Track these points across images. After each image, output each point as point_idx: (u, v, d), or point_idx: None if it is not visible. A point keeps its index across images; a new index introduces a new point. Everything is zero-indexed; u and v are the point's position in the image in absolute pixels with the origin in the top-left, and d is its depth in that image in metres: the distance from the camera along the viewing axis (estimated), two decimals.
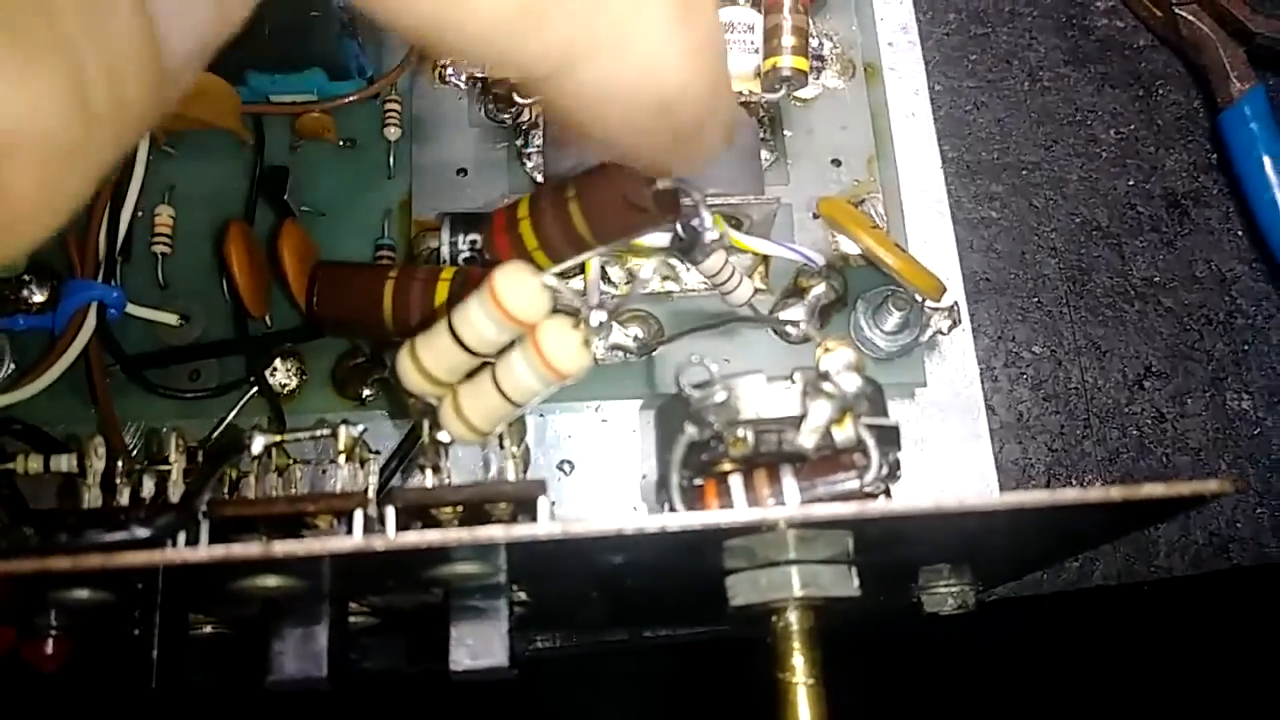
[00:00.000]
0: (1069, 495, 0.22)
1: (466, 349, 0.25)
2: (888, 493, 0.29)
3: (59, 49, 0.15)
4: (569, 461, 0.36)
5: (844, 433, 0.26)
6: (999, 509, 0.23)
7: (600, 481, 0.36)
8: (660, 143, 0.23)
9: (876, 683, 0.41)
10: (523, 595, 0.31)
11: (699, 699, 0.43)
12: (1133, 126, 0.50)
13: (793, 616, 0.28)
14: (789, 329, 0.34)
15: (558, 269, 0.30)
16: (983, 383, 0.45)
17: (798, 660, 0.28)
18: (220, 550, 0.22)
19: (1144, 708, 0.44)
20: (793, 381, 0.28)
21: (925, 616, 0.35)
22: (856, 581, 0.28)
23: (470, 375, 0.26)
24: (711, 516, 0.23)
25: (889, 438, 0.27)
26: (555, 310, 0.25)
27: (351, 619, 0.32)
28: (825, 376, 0.26)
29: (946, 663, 0.42)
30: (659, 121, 0.22)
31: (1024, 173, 0.48)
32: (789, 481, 0.26)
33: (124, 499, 0.29)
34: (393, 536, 0.22)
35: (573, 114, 0.21)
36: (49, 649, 0.30)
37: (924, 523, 0.23)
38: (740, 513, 0.23)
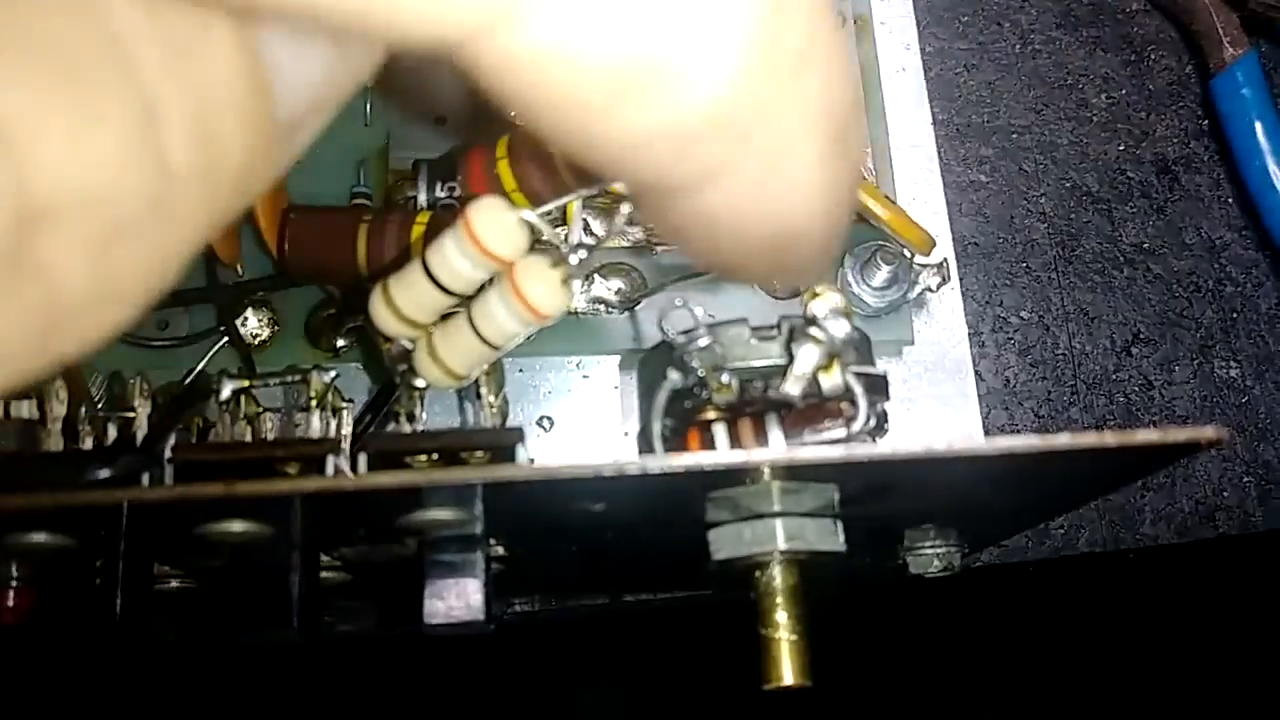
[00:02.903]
0: (1062, 440, 0.22)
1: (441, 288, 0.24)
2: None
3: (127, 92, 0.12)
4: (548, 418, 0.35)
5: (831, 380, 0.26)
6: (989, 454, 0.22)
7: (580, 438, 0.35)
8: (763, 267, 0.21)
9: (860, 645, 0.40)
10: (500, 550, 0.30)
11: (680, 663, 0.42)
12: (1124, 91, 0.49)
13: (776, 571, 0.28)
14: (774, 282, 0.33)
15: (539, 211, 0.29)
16: (970, 347, 0.44)
17: (781, 616, 0.28)
18: (180, 489, 0.21)
19: (1127, 675, 0.44)
20: (779, 330, 0.27)
21: (910, 579, 0.35)
22: (842, 536, 0.28)
23: (446, 317, 0.26)
24: (693, 459, 0.22)
25: (877, 386, 0.26)
26: (534, 249, 0.24)
27: (324, 574, 0.31)
28: (813, 321, 0.25)
29: (931, 627, 0.42)
30: (772, 252, 0.20)
31: (1014, 136, 0.48)
32: (774, 429, 0.25)
33: (88, 445, 0.28)
34: (353, 477, 0.21)
35: (681, 229, 0.19)
36: (10, 600, 0.29)
37: (912, 468, 0.23)
38: (722, 455, 0.22)
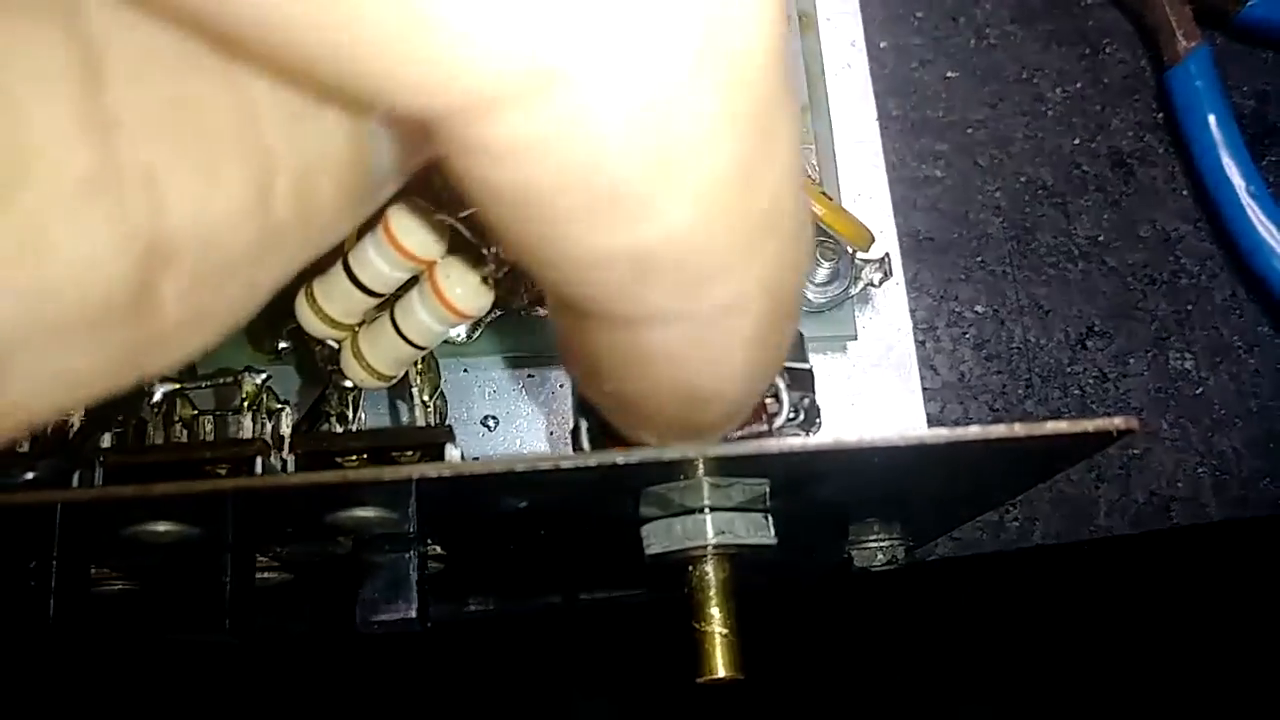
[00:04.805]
0: (972, 432, 0.22)
1: (363, 288, 0.25)
2: None
3: (250, 153, 0.14)
4: (493, 417, 0.35)
5: None
6: (900, 445, 0.22)
7: (526, 438, 0.35)
8: (664, 420, 0.21)
9: (810, 639, 0.41)
10: (438, 550, 0.30)
11: (633, 660, 0.42)
12: (1079, 85, 0.49)
13: (709, 567, 0.28)
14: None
15: (466, 213, 0.29)
16: (925, 342, 0.45)
17: (714, 611, 0.28)
18: (95, 491, 0.21)
19: (1083, 666, 0.44)
20: None
21: (856, 572, 0.35)
22: (773, 530, 0.28)
23: (370, 317, 0.26)
24: (607, 456, 0.22)
25: (802, 381, 0.27)
26: (455, 247, 0.25)
27: (265, 575, 0.31)
28: None
29: (884, 621, 0.42)
30: (682, 406, 0.20)
31: (969, 131, 0.48)
32: None
33: (24, 448, 0.28)
34: (266, 476, 0.21)
35: (600, 362, 0.19)
36: None
37: (827, 460, 0.23)
38: (635, 452, 0.22)
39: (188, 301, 0.14)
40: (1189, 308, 0.46)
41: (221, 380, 0.28)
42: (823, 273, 0.34)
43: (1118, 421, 0.22)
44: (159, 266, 0.13)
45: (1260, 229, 0.46)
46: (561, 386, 0.36)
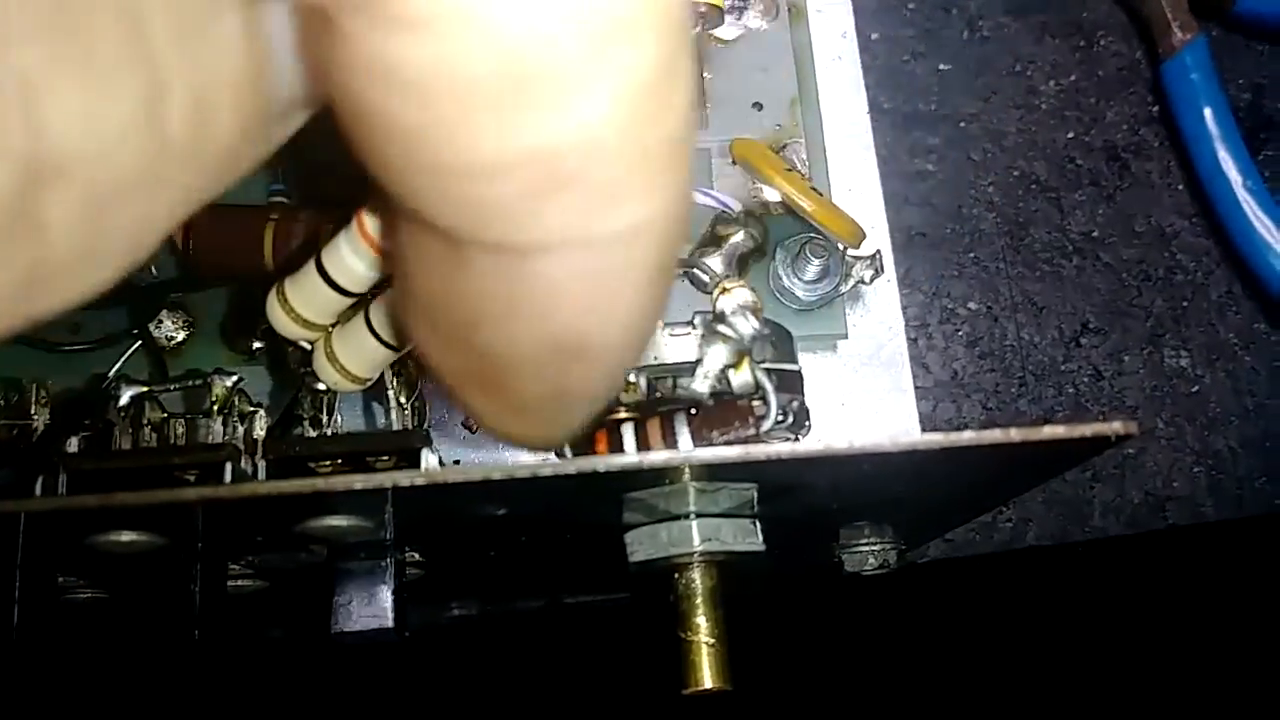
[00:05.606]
0: (965, 437, 0.21)
1: (337, 288, 0.24)
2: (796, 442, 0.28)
3: (138, 62, 0.13)
4: None
5: (741, 377, 0.25)
6: (892, 451, 0.21)
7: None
8: (537, 388, 0.18)
9: (798, 646, 0.40)
10: (416, 556, 0.29)
11: (619, 666, 0.41)
12: (1073, 78, 0.48)
13: (695, 574, 0.27)
14: (703, 276, 0.32)
15: None
16: (917, 340, 0.44)
17: (700, 620, 0.27)
18: (55, 501, 0.20)
19: (1077, 670, 0.43)
20: (693, 326, 0.26)
21: (846, 576, 0.34)
22: (761, 536, 0.27)
23: (344, 317, 0.25)
24: (586, 463, 0.21)
25: (791, 383, 0.26)
26: None
27: (240, 582, 0.30)
28: (720, 318, 0.24)
29: (876, 625, 0.41)
30: (559, 363, 0.17)
31: (961, 125, 0.47)
32: (683, 430, 0.25)
33: None
34: (233, 485, 0.20)
35: (486, 298, 0.17)
36: None
37: (817, 466, 0.22)
38: (618, 459, 0.22)
39: (78, 227, 0.13)
40: (1184, 304, 0.46)
41: (191, 383, 0.27)
42: (813, 270, 0.33)
43: (1116, 426, 0.22)
44: (42, 182, 0.12)
45: (1257, 224, 0.45)
46: None
